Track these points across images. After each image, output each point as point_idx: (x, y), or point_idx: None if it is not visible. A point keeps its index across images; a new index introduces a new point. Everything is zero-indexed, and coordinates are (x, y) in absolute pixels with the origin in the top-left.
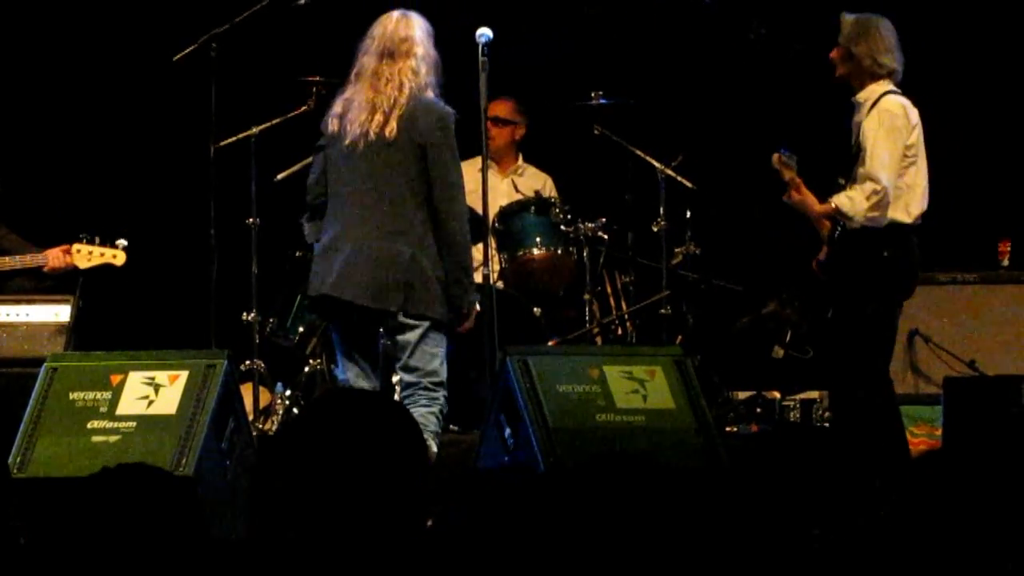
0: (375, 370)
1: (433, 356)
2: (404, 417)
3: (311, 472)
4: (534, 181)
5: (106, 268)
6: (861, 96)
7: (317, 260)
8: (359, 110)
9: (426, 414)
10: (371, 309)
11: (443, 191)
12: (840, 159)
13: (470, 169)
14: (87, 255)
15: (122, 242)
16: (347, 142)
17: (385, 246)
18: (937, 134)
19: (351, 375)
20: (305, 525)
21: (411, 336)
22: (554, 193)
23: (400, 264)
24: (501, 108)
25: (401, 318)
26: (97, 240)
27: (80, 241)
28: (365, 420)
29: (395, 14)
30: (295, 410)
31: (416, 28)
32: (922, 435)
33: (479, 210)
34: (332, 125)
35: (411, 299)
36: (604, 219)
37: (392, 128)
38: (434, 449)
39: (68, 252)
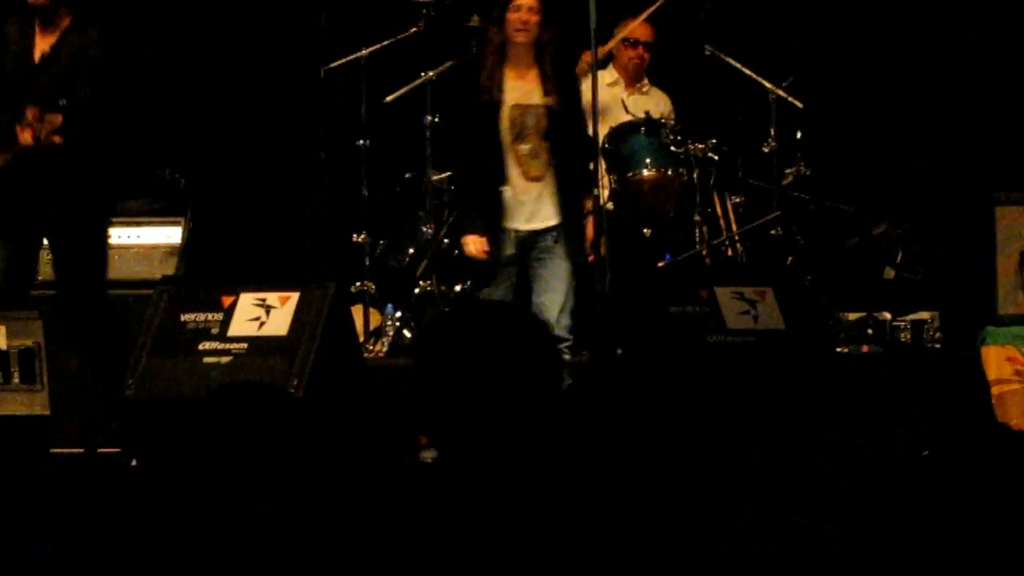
0: None
1: None
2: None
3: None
4: (656, 101)
5: None
6: None
7: None
8: None
9: None
10: None
11: None
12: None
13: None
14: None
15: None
16: None
17: None
18: None
19: None
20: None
21: None
22: (671, 115)
23: None
24: (648, 32)
25: None
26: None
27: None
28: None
29: None
30: (405, 332)
31: None
32: None
33: (589, 130)
34: None
35: None
36: (714, 140)
37: None
38: None
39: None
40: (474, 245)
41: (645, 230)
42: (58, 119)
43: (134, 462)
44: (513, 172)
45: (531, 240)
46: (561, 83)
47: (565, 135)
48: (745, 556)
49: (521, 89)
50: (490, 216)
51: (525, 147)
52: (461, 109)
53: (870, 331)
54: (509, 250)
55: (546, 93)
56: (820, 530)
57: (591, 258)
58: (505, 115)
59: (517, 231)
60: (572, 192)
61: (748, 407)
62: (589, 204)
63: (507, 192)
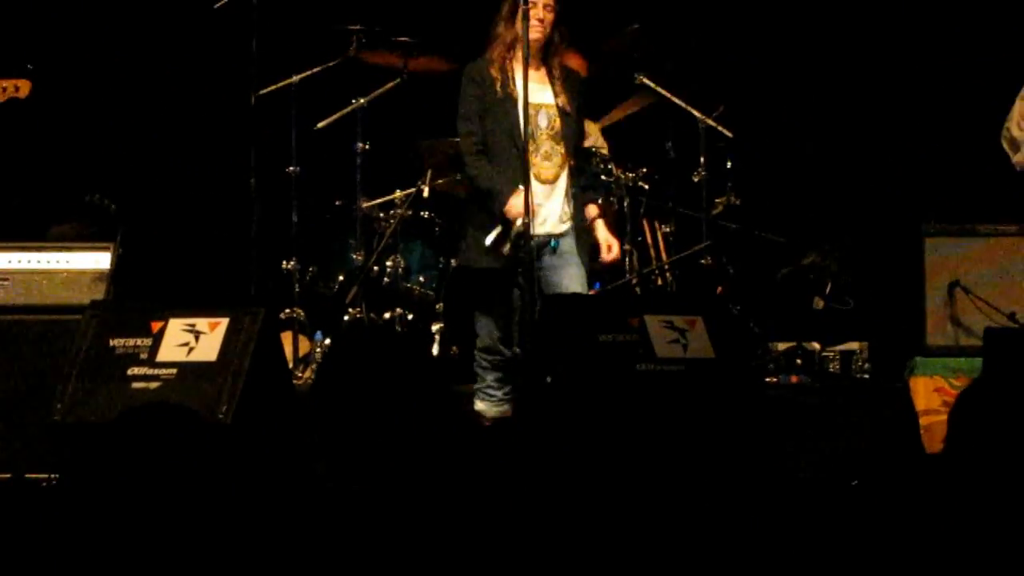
0: None
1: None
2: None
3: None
4: (587, 131)
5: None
6: None
7: None
8: None
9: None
10: None
11: None
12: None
13: None
14: None
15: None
16: None
17: None
18: (981, 87)
19: None
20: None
21: None
22: (601, 142)
23: None
24: (579, 67)
25: None
26: None
27: None
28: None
29: None
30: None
31: None
32: (961, 387)
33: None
34: None
35: None
36: (645, 169)
37: None
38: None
39: None
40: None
41: None
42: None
43: (57, 485)
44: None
45: (541, 246)
46: (569, 85)
47: (575, 138)
48: None
49: (533, 89)
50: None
51: (539, 148)
52: (477, 105)
53: (799, 361)
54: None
55: (556, 94)
56: (753, 558)
57: (608, 259)
58: (520, 114)
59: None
60: (581, 197)
61: (677, 436)
62: (595, 210)
63: (523, 192)
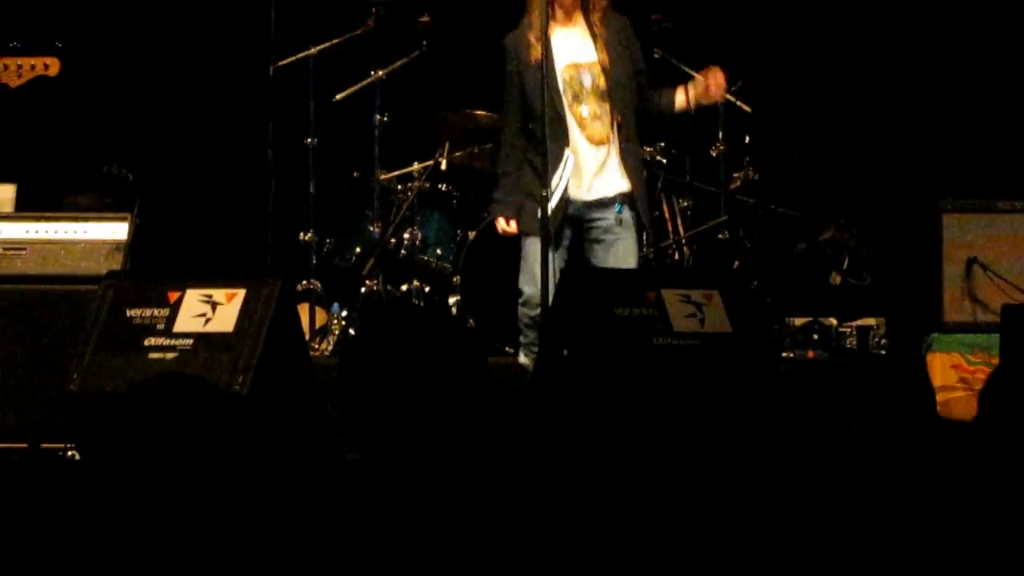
0: None
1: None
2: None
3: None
4: None
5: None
6: None
7: None
8: None
9: None
10: None
11: None
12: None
13: None
14: (15, 71)
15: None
16: None
17: None
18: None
19: None
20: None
21: None
22: None
23: None
24: None
25: None
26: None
27: (7, 55)
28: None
29: None
30: (351, 331)
31: None
32: (979, 363)
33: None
34: None
35: None
36: (663, 143)
37: None
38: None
39: None
40: (500, 226)
41: None
42: None
43: (75, 456)
44: (574, 136)
45: (589, 214)
46: (617, 40)
47: (627, 91)
48: (699, 561)
49: (573, 48)
50: (537, 183)
51: (584, 109)
52: (516, 80)
53: (816, 336)
54: (560, 217)
55: (599, 50)
56: (770, 529)
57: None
58: (559, 76)
59: (574, 201)
60: (638, 157)
61: (694, 410)
62: (680, 92)
63: (570, 156)
